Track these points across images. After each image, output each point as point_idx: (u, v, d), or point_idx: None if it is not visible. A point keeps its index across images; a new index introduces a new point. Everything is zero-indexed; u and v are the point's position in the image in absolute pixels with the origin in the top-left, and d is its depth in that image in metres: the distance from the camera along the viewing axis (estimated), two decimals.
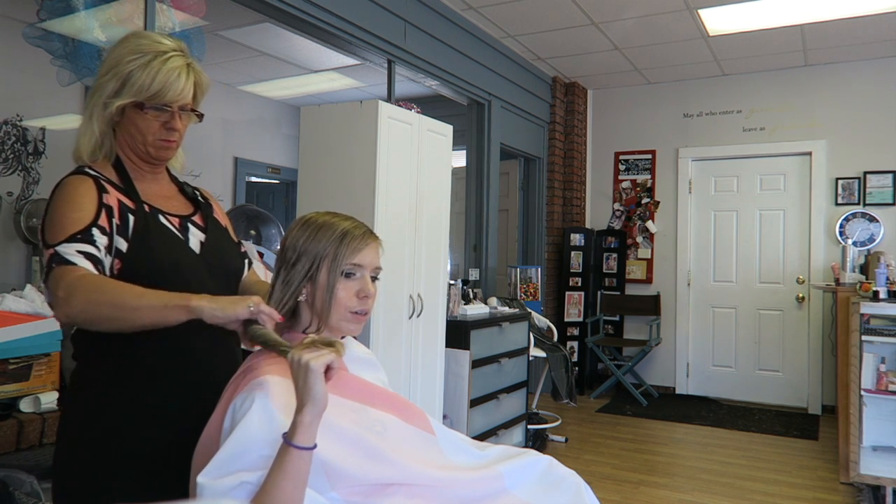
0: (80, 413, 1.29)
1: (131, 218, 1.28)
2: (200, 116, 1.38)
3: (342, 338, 1.32)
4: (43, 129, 3.24)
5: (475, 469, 1.27)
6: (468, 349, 3.45)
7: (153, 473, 1.26)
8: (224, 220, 1.52)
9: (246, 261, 1.53)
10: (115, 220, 1.25)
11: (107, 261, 1.24)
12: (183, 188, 1.48)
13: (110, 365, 1.27)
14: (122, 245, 1.26)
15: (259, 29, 4.37)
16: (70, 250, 1.17)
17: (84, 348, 1.31)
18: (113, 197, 1.28)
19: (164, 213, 1.37)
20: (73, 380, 1.33)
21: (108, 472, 1.26)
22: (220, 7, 3.16)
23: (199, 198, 1.50)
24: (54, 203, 1.24)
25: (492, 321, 3.76)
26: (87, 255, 1.18)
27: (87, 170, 1.30)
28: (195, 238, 1.38)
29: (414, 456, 1.20)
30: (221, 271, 1.39)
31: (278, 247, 1.27)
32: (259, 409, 1.05)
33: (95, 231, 1.21)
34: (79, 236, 1.18)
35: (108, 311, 1.12)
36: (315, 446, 1.00)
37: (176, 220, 1.38)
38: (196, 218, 1.43)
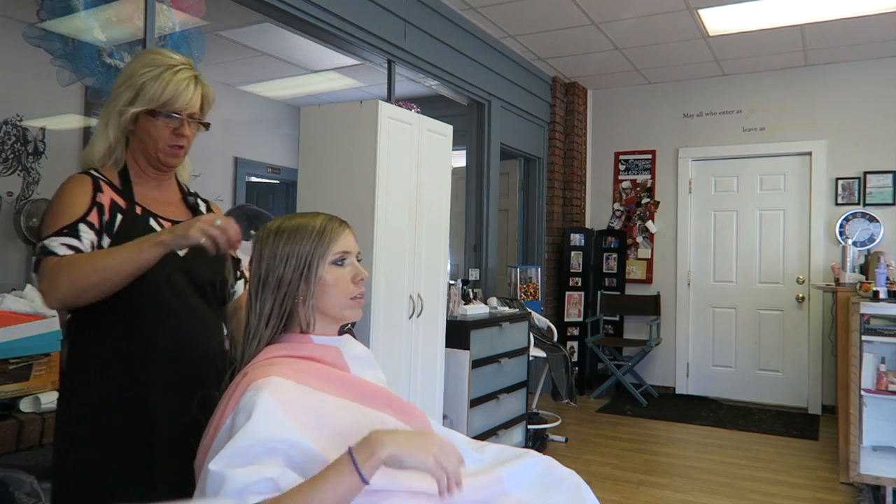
0: (77, 394, 1.35)
1: (119, 217, 1.37)
2: (207, 126, 1.50)
3: (344, 331, 1.33)
4: (43, 129, 3.24)
5: (475, 475, 1.26)
6: (468, 349, 3.44)
7: (146, 444, 1.32)
8: None
9: (240, 278, 1.57)
10: (105, 218, 1.35)
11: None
12: (185, 197, 1.55)
13: (104, 347, 1.35)
14: (106, 243, 1.34)
15: (259, 29, 4.37)
16: (55, 243, 1.27)
17: (78, 333, 1.38)
18: (107, 196, 1.37)
19: (156, 217, 1.44)
20: (70, 363, 1.39)
21: (104, 448, 1.32)
22: (220, 7, 3.15)
23: (203, 208, 1.57)
24: (52, 201, 1.36)
25: (492, 321, 3.76)
26: (70, 247, 1.28)
27: (91, 171, 1.40)
28: None
29: None
30: (202, 277, 1.44)
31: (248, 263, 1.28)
32: (269, 403, 1.06)
33: (83, 226, 1.31)
34: (65, 231, 1.29)
35: (93, 278, 1.23)
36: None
37: (168, 224, 1.44)
38: None
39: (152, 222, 1.42)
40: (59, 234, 1.28)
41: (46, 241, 1.28)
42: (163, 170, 1.47)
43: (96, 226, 1.33)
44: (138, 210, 1.41)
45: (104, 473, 1.31)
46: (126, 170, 1.44)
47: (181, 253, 1.41)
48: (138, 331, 1.35)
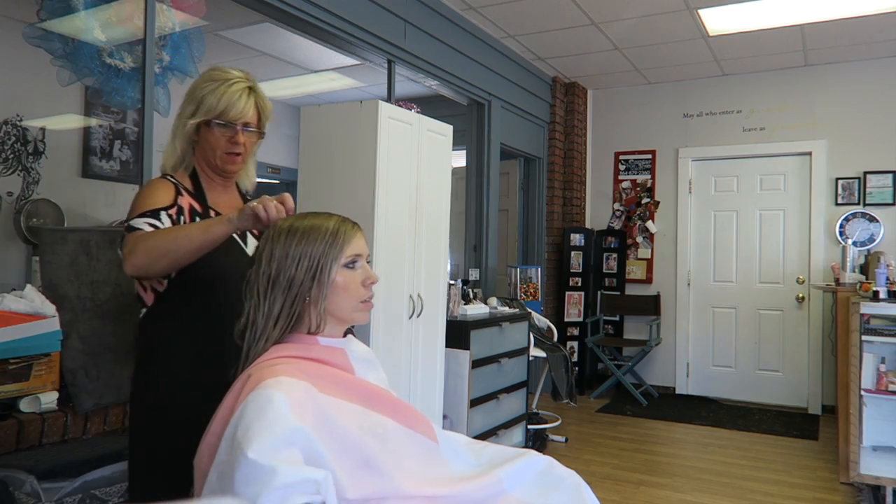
0: (153, 380, 1.49)
1: (197, 220, 1.50)
2: (262, 135, 1.63)
3: (346, 333, 1.33)
4: (43, 129, 3.24)
5: (474, 478, 1.26)
6: (468, 349, 3.44)
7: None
8: None
9: None
10: (185, 219, 1.49)
11: None
12: (247, 202, 1.65)
13: (182, 338, 1.48)
14: None
15: (259, 29, 4.37)
16: (139, 222, 1.43)
17: (154, 328, 1.51)
18: (186, 201, 1.53)
19: None
20: (144, 354, 1.52)
21: (187, 431, 1.40)
22: (220, 7, 3.16)
23: None
24: (136, 196, 1.51)
25: (492, 321, 3.76)
26: (152, 226, 1.43)
27: (169, 177, 1.57)
28: (252, 244, 1.59)
29: (412, 469, 1.19)
30: None
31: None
32: (281, 400, 1.06)
33: (163, 214, 1.46)
34: (148, 213, 1.44)
35: (166, 247, 1.35)
36: None
37: None
38: None
39: None
40: (142, 216, 1.44)
41: (132, 222, 1.43)
42: (225, 176, 1.61)
43: (174, 219, 1.47)
44: (212, 213, 1.55)
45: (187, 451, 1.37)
46: (196, 175, 1.59)
47: (249, 251, 1.56)
48: (212, 323, 1.47)
